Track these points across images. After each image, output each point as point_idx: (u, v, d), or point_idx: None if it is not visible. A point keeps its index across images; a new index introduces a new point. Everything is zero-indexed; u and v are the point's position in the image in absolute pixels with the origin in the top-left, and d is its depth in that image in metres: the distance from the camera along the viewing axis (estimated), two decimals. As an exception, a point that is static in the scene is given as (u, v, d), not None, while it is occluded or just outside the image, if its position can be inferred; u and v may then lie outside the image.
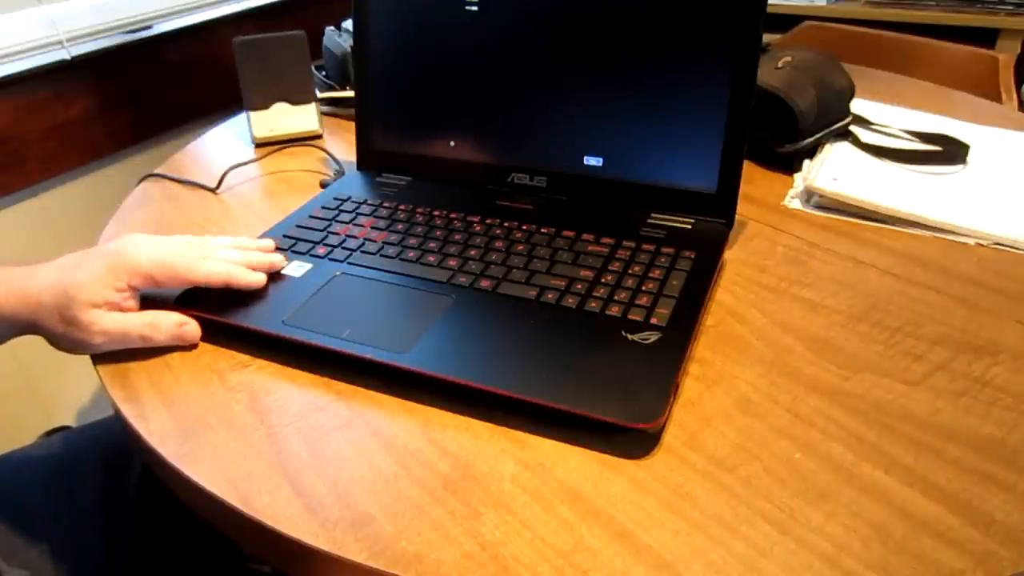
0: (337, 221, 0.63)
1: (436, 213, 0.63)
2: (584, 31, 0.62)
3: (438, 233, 0.60)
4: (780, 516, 0.38)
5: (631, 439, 0.43)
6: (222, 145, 0.87)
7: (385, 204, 0.66)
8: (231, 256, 0.54)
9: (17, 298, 0.48)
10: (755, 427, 0.44)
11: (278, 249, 0.59)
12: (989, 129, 0.82)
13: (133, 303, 0.50)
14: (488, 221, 0.62)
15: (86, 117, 1.01)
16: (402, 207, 0.65)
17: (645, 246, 0.57)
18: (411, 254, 0.58)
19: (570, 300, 0.51)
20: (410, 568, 0.36)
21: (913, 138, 0.79)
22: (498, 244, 0.58)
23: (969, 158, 0.75)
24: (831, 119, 0.77)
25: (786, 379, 0.47)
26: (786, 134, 0.74)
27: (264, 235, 0.62)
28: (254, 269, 0.54)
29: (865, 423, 0.44)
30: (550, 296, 0.52)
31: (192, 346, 0.51)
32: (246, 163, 0.80)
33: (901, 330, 0.51)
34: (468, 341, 0.48)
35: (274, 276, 0.56)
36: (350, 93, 0.90)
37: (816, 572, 0.35)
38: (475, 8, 0.65)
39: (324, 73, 0.97)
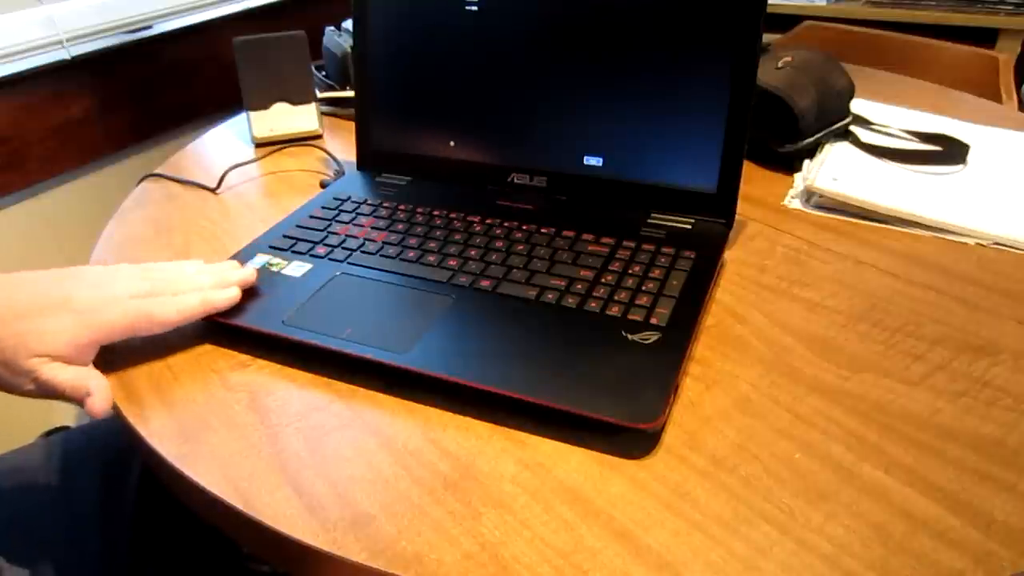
0: (337, 221, 0.63)
1: (436, 213, 0.63)
2: (584, 31, 0.62)
3: (438, 233, 0.60)
4: (780, 516, 0.38)
5: (631, 439, 0.43)
6: (222, 145, 0.87)
7: (385, 204, 0.66)
8: (201, 281, 0.51)
9: None
10: (755, 427, 0.44)
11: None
12: (989, 129, 0.82)
13: (87, 358, 0.47)
14: (488, 221, 0.62)
15: (86, 117, 1.01)
16: (402, 207, 0.65)
17: (645, 246, 0.57)
18: (411, 254, 0.58)
19: (570, 300, 0.51)
20: (410, 568, 0.36)
21: (913, 138, 0.79)
22: (498, 244, 0.58)
23: (969, 158, 0.75)
24: (831, 119, 0.77)
25: (786, 379, 0.47)
26: (786, 134, 0.74)
27: (263, 235, 0.62)
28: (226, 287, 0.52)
29: (865, 423, 0.44)
30: (550, 296, 0.52)
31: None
32: (246, 163, 0.80)
33: (901, 330, 0.51)
34: (468, 341, 0.48)
35: (274, 276, 0.56)
36: (350, 93, 0.90)
37: (816, 572, 0.35)
38: (475, 8, 0.65)
39: (324, 73, 0.97)
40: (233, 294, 0.51)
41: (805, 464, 0.41)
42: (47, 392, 0.45)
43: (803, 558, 0.36)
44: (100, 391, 0.46)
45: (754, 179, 0.74)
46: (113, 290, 0.48)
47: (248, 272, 0.54)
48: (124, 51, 1.04)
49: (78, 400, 0.45)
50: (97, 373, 0.47)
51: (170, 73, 1.11)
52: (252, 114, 0.83)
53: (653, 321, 0.49)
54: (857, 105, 0.82)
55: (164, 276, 0.51)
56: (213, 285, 0.51)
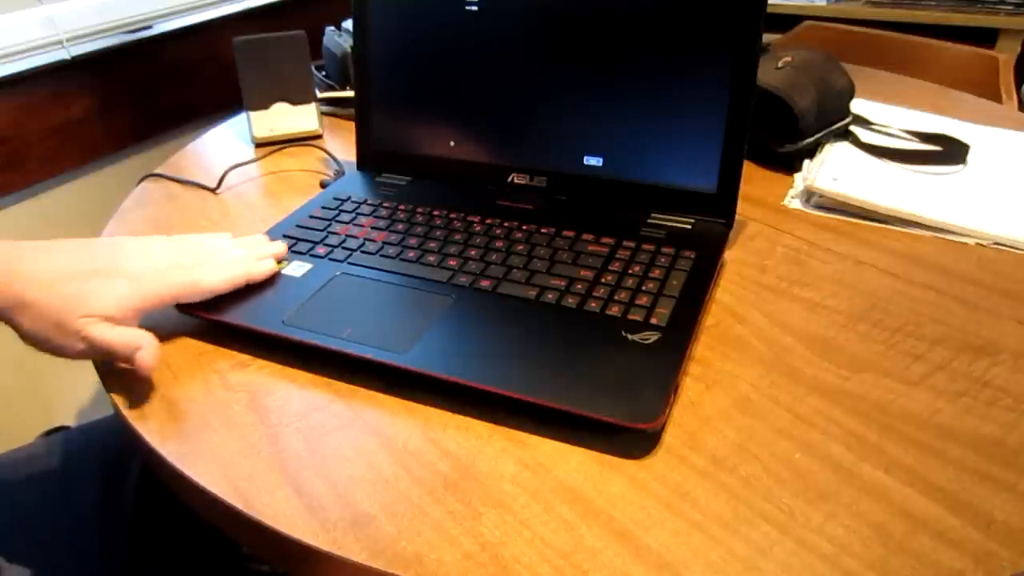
0: (337, 221, 0.63)
1: (436, 213, 0.63)
2: (584, 31, 0.62)
3: (438, 233, 0.60)
4: (780, 516, 0.38)
5: (631, 439, 0.43)
6: (222, 145, 0.87)
7: (385, 204, 0.66)
8: (238, 253, 0.54)
9: None
10: (755, 427, 0.44)
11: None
12: (989, 129, 0.82)
13: (133, 323, 0.48)
14: (488, 221, 0.62)
15: (86, 117, 1.01)
16: (402, 207, 0.65)
17: (645, 246, 0.57)
18: (411, 254, 0.58)
19: (570, 300, 0.51)
20: (410, 568, 0.36)
21: (913, 138, 0.79)
22: (498, 244, 0.58)
23: (969, 158, 0.75)
24: (831, 119, 0.77)
25: (786, 379, 0.47)
26: (786, 134, 0.74)
27: (264, 235, 0.62)
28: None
29: (865, 423, 0.44)
30: (550, 296, 0.52)
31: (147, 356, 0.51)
32: (246, 163, 0.80)
33: (901, 330, 0.51)
34: (468, 341, 0.48)
35: (274, 276, 0.56)
36: (350, 93, 0.90)
37: (816, 572, 0.35)
38: (475, 8, 0.65)
39: (324, 73, 0.97)
40: (271, 266, 0.55)
41: (805, 464, 0.41)
42: (97, 350, 0.46)
43: (803, 558, 0.36)
44: (151, 347, 0.47)
45: (754, 179, 0.74)
46: (159, 258, 0.50)
47: (279, 245, 0.57)
48: (124, 51, 1.04)
49: (128, 356, 0.46)
50: (147, 332, 0.48)
51: (170, 73, 1.11)
52: (252, 114, 0.83)
53: (653, 321, 0.49)
54: (857, 105, 0.82)
55: (202, 248, 0.53)
56: (250, 257, 0.54)
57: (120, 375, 0.49)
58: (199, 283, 0.50)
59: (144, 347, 0.47)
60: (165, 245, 0.52)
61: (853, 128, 0.79)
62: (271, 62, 0.81)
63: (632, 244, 0.58)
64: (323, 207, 0.65)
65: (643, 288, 0.52)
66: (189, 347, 0.51)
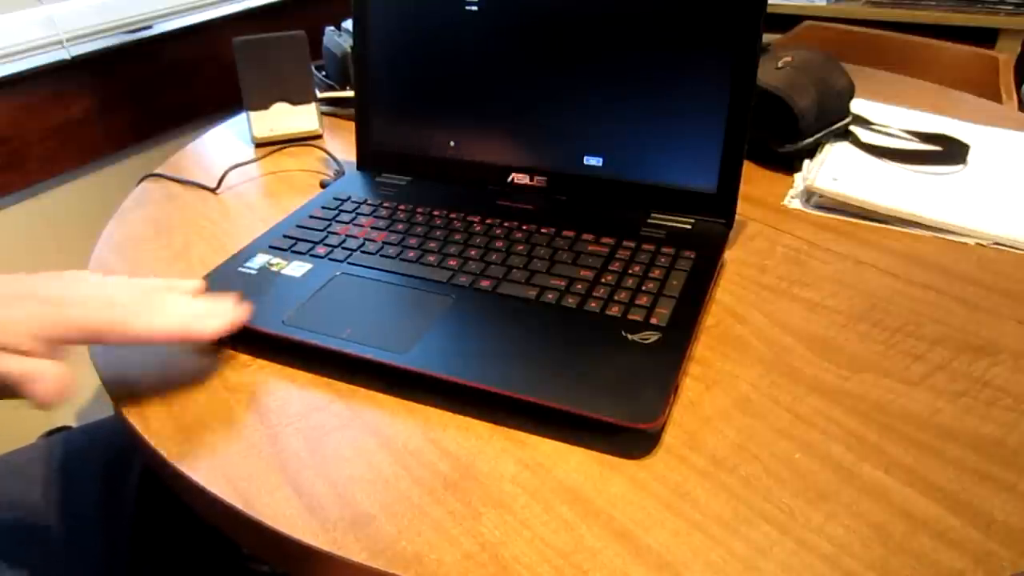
0: (337, 221, 0.63)
1: (436, 213, 0.63)
2: (584, 31, 0.62)
3: (438, 233, 0.60)
4: (780, 516, 0.38)
5: (631, 439, 0.43)
6: (222, 145, 0.87)
7: (385, 204, 0.66)
8: (191, 308, 0.47)
9: None
10: (755, 427, 0.44)
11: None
12: (989, 129, 0.82)
13: (50, 355, 0.41)
14: (488, 221, 0.62)
15: (86, 117, 1.01)
16: (402, 207, 0.65)
17: (645, 246, 0.57)
18: (411, 254, 0.58)
19: (570, 300, 0.51)
20: (410, 568, 0.36)
21: (913, 138, 0.79)
22: (498, 244, 0.58)
23: (969, 158, 0.75)
24: (831, 119, 0.77)
25: (786, 379, 0.47)
26: (786, 134, 0.74)
27: (263, 235, 0.62)
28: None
29: (865, 423, 0.44)
30: (550, 296, 0.52)
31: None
32: (246, 163, 0.80)
33: (901, 330, 0.51)
34: (468, 341, 0.48)
35: (274, 276, 0.56)
36: (350, 93, 0.91)
37: (816, 572, 0.35)
38: (475, 8, 0.65)
39: (324, 73, 0.97)
40: (219, 325, 0.47)
41: (805, 464, 0.41)
42: None
43: (803, 558, 0.36)
44: (50, 379, 0.40)
45: (754, 179, 0.74)
46: (92, 290, 0.45)
47: (239, 312, 0.49)
48: (124, 51, 1.04)
49: (20, 388, 0.40)
50: (57, 363, 0.41)
51: (170, 73, 1.11)
52: (252, 114, 0.83)
53: (653, 321, 0.49)
54: (857, 105, 0.82)
55: (149, 291, 0.47)
56: (199, 314, 0.47)
57: (120, 375, 0.49)
58: (126, 324, 0.43)
59: (39, 380, 0.40)
60: (105, 282, 0.46)
61: (853, 128, 0.79)
62: (271, 62, 0.81)
63: (632, 244, 0.58)
64: (323, 207, 0.65)
65: (643, 288, 0.52)
66: (189, 347, 0.51)
